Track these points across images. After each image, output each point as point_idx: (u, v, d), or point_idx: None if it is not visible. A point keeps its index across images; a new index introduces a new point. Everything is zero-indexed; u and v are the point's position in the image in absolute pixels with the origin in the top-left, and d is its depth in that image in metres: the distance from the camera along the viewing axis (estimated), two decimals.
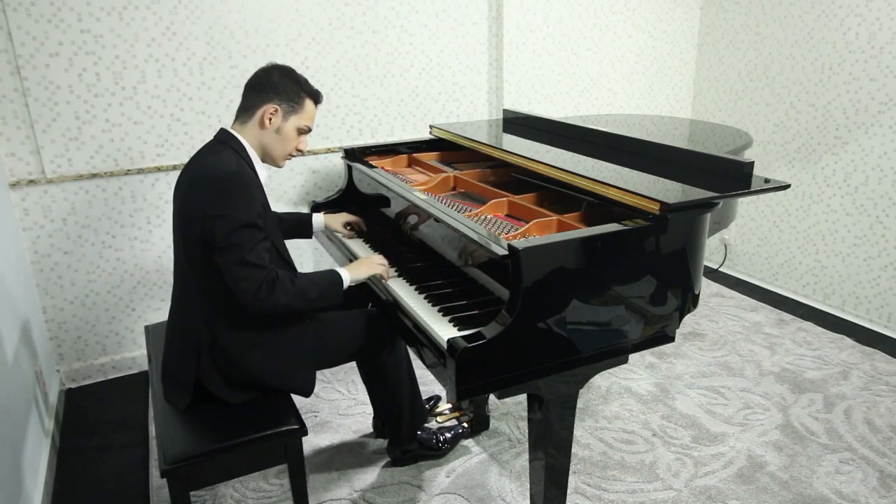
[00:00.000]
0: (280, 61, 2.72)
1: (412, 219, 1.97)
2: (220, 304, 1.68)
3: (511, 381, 1.45)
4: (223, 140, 1.73)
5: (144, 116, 2.63)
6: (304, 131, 1.79)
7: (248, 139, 1.74)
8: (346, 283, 1.77)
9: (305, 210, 3.02)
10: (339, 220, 2.28)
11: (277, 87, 1.72)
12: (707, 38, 3.78)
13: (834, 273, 3.28)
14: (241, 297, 1.60)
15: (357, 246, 2.20)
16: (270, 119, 1.72)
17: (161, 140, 2.68)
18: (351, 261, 2.06)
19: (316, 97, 1.80)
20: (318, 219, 2.26)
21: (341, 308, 2.10)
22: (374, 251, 2.13)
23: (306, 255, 3.09)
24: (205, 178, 1.63)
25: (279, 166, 1.83)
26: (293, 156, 1.84)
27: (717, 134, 2.56)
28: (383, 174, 2.27)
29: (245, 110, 1.75)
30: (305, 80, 1.78)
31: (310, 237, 2.29)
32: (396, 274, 1.92)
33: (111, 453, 2.33)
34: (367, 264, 1.85)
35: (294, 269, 1.82)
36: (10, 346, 2.01)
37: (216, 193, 1.59)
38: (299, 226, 2.24)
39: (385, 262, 1.89)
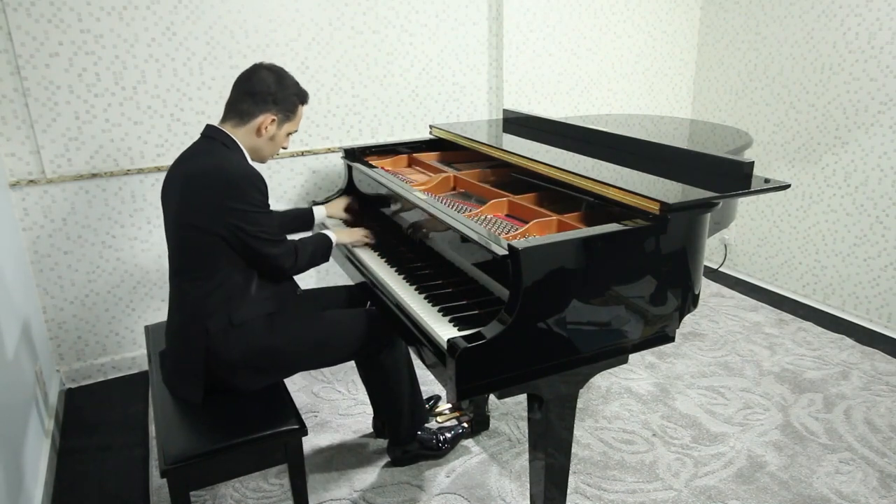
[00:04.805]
0: (280, 61, 2.75)
1: (412, 219, 1.97)
2: (229, 286, 1.73)
3: (511, 381, 1.45)
4: (214, 136, 1.77)
5: (144, 116, 2.63)
6: (291, 133, 1.89)
7: (240, 140, 1.79)
8: (335, 243, 2.01)
9: None
10: (339, 206, 2.37)
11: (276, 96, 1.78)
12: (707, 38, 3.78)
13: (834, 273, 3.28)
14: (279, 272, 1.82)
15: (360, 249, 2.18)
16: (267, 128, 1.79)
17: (161, 140, 2.68)
18: (351, 261, 2.13)
19: (305, 99, 1.88)
20: (319, 211, 2.34)
21: (342, 308, 2.12)
22: (375, 252, 2.12)
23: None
24: (215, 178, 1.67)
25: (264, 163, 1.92)
26: (277, 154, 1.95)
27: (717, 134, 2.56)
28: (383, 174, 2.27)
29: (239, 114, 1.78)
30: (295, 83, 1.84)
31: (310, 230, 2.32)
32: (397, 273, 1.92)
33: (111, 453, 2.33)
34: (349, 233, 2.13)
35: None
36: (10, 345, 2.01)
37: (232, 192, 1.66)
38: (300, 219, 2.29)
39: (366, 233, 2.15)
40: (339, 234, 2.06)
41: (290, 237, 1.87)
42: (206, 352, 1.71)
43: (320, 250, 1.95)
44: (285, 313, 1.85)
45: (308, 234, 2.48)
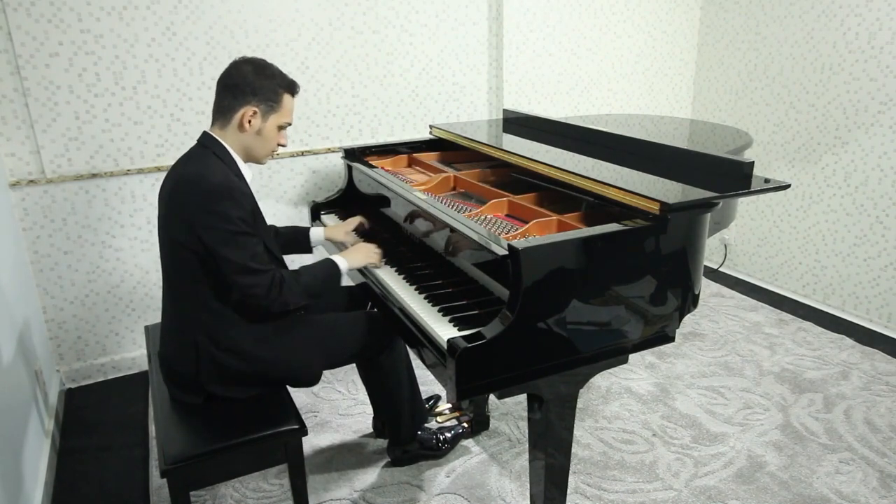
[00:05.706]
0: (280, 61, 2.75)
1: (412, 219, 1.97)
2: (214, 305, 1.68)
3: (511, 381, 1.45)
4: (206, 145, 1.70)
5: (144, 116, 2.63)
6: (284, 127, 1.77)
7: (229, 143, 1.71)
8: (344, 271, 1.84)
9: (306, 210, 3.02)
10: (341, 231, 2.17)
11: (254, 86, 1.66)
12: (707, 38, 3.78)
13: (834, 273, 3.28)
14: (253, 303, 1.65)
15: None
16: (250, 122, 1.68)
17: (161, 140, 2.68)
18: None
19: (292, 89, 1.75)
20: (317, 233, 2.16)
21: (342, 309, 2.11)
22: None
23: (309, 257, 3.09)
24: (192, 189, 1.60)
25: (262, 164, 1.81)
26: (276, 152, 1.82)
27: (717, 134, 2.56)
28: (383, 174, 2.27)
29: (222, 113, 1.70)
30: (280, 73, 1.72)
31: (310, 252, 2.21)
32: (397, 273, 1.92)
33: (111, 453, 2.33)
34: (364, 253, 1.93)
35: (286, 267, 1.81)
36: (9, 345, 2.01)
37: (205, 205, 1.57)
38: (297, 240, 2.15)
39: (378, 250, 1.97)
40: (349, 258, 1.87)
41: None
42: (198, 362, 1.69)
43: (320, 280, 1.77)
44: (285, 319, 1.80)
45: (307, 257, 2.31)
